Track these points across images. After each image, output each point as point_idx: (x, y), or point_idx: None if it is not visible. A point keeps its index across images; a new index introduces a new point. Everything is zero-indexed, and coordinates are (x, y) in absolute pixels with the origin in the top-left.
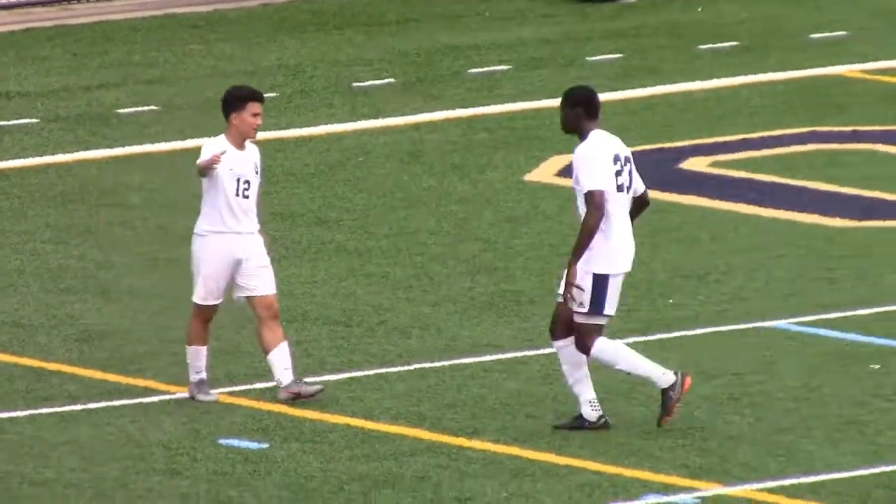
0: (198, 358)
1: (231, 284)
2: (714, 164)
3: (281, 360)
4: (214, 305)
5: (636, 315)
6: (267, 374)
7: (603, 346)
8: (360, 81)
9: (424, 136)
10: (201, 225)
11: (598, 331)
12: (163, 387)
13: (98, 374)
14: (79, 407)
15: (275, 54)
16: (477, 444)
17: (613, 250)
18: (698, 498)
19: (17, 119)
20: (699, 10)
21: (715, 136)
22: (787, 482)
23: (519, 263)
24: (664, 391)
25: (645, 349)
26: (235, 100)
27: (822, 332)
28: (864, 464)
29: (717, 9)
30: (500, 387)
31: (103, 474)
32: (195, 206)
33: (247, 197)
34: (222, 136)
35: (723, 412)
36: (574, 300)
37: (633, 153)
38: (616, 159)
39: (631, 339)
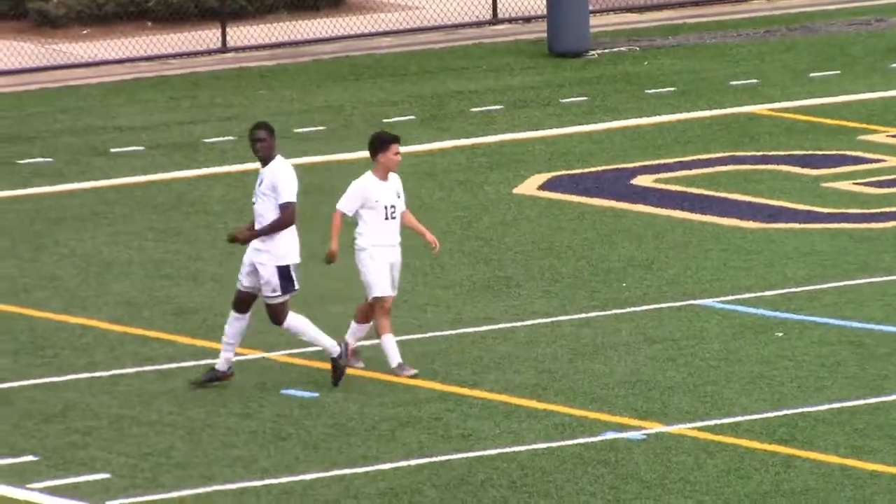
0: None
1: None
2: (657, 181)
3: (391, 345)
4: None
5: (597, 296)
6: (289, 345)
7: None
8: (387, 118)
9: (437, 159)
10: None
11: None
12: (237, 350)
13: (189, 340)
14: (174, 365)
15: (323, 97)
16: (476, 393)
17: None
18: (645, 434)
19: (127, 147)
20: (646, 64)
21: (658, 159)
22: (712, 422)
23: (509, 256)
24: (333, 358)
25: (602, 322)
26: (382, 142)
27: (740, 308)
28: (770, 408)
29: (659, 63)
30: (494, 350)
31: (193, 417)
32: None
33: (394, 218)
34: (369, 173)
35: (663, 368)
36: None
37: (596, 173)
38: None
39: (594, 314)
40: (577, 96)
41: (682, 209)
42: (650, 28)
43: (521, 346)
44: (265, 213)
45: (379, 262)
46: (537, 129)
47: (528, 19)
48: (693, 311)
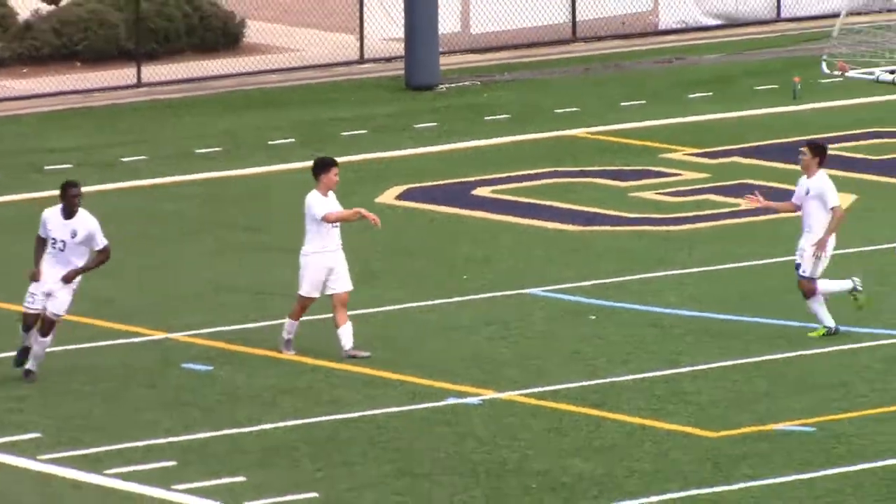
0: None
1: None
2: (494, 192)
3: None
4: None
5: (443, 286)
6: (211, 322)
7: None
8: (273, 141)
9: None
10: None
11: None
12: (145, 330)
13: (106, 324)
14: (90, 345)
15: (221, 124)
16: (343, 366)
17: None
18: (481, 400)
19: (58, 165)
20: (485, 96)
21: (494, 174)
22: (536, 390)
23: (372, 254)
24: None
25: (447, 308)
26: (325, 165)
27: (560, 296)
28: (584, 378)
29: (497, 94)
30: (359, 331)
31: (107, 388)
32: None
33: (335, 226)
34: (314, 191)
35: (497, 346)
36: None
37: (443, 185)
38: None
39: (439, 301)
40: (428, 122)
41: (514, 215)
42: (490, 66)
43: (380, 328)
44: (74, 257)
45: (319, 266)
46: (396, 150)
47: (389, 59)
48: (522, 299)
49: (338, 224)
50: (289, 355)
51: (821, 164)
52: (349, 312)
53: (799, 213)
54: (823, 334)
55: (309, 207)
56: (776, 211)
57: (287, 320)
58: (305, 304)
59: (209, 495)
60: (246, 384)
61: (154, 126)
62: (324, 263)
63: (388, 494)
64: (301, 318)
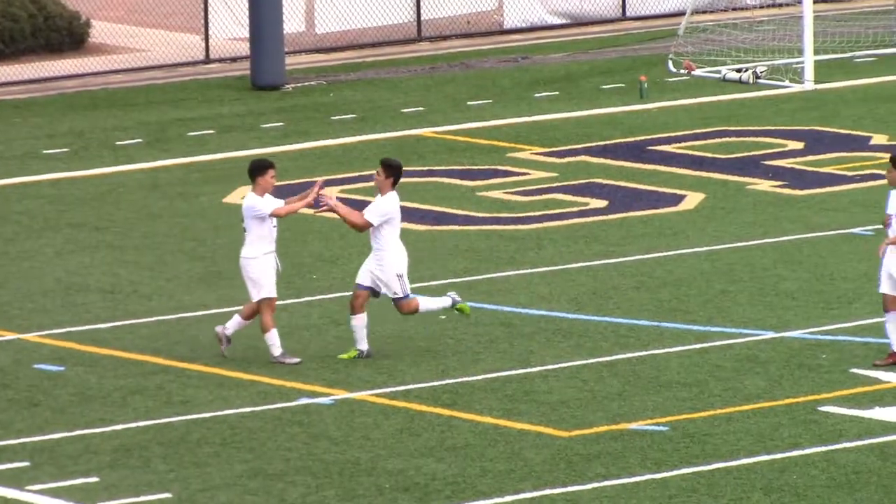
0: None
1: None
2: (342, 191)
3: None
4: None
5: (293, 286)
6: (62, 323)
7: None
8: (120, 141)
9: (160, 174)
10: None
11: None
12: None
13: None
14: None
15: (67, 125)
16: (194, 366)
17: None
18: (333, 399)
19: None
20: (331, 95)
21: (342, 173)
22: (388, 390)
23: (220, 254)
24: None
25: (297, 308)
26: (262, 167)
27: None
28: (435, 378)
29: (342, 94)
30: (209, 331)
31: None
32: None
33: (275, 227)
34: (251, 192)
35: (346, 346)
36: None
37: (291, 185)
38: None
39: (290, 301)
40: (275, 122)
41: None
42: (335, 66)
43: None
44: None
45: (267, 267)
46: (242, 150)
47: (234, 59)
48: (371, 299)
49: (276, 225)
50: (292, 362)
51: None
52: (196, 314)
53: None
54: (355, 356)
55: (250, 209)
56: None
57: (267, 336)
58: (273, 307)
59: (63, 496)
60: (97, 385)
61: (0, 126)
62: (272, 264)
63: (241, 494)
64: (248, 320)
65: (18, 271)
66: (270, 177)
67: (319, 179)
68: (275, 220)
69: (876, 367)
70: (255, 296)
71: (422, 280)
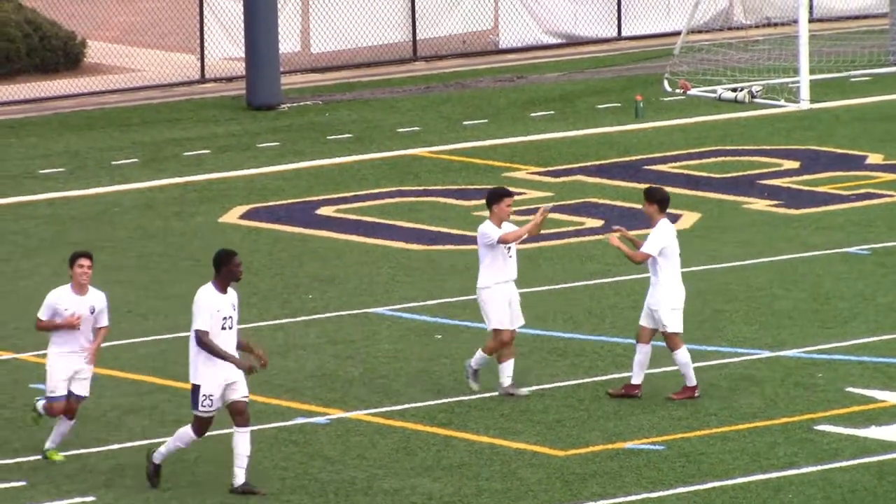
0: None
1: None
2: (337, 211)
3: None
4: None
5: (289, 305)
6: (38, 346)
7: None
8: (115, 161)
9: (156, 194)
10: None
11: None
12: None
13: None
14: None
15: (63, 144)
16: (189, 386)
17: None
18: (328, 419)
19: None
20: (327, 115)
21: (338, 193)
22: (384, 409)
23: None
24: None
25: (293, 327)
26: (497, 196)
27: (406, 315)
28: (431, 397)
29: (338, 114)
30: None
31: None
32: None
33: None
34: (488, 221)
35: (343, 365)
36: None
37: (287, 205)
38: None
39: (286, 320)
40: (270, 142)
41: (358, 234)
42: (331, 85)
43: None
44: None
45: (502, 298)
46: (238, 170)
47: (230, 79)
48: (367, 318)
49: (513, 255)
50: (474, 387)
51: None
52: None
53: None
54: None
55: (483, 235)
56: None
57: (478, 352)
58: (504, 338)
59: None
60: (93, 404)
61: None
62: (505, 295)
63: None
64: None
65: (14, 291)
66: (506, 205)
67: (547, 206)
68: (511, 249)
69: (611, 396)
70: (487, 325)
71: (418, 299)
